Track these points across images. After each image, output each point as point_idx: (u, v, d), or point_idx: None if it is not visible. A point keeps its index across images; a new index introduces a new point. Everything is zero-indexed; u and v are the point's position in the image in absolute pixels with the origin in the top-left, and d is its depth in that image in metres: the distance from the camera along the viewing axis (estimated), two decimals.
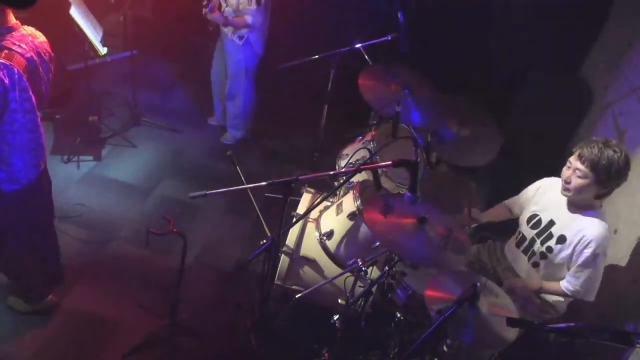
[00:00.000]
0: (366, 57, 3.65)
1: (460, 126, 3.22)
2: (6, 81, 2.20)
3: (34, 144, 2.49)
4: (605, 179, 2.49)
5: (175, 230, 2.43)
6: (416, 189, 2.25)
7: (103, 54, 3.90)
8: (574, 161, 2.55)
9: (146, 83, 4.89)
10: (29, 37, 2.36)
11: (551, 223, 2.71)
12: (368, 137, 3.34)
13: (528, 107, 4.26)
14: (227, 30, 3.96)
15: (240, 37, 3.94)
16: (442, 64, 4.36)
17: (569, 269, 2.65)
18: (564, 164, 2.63)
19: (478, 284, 2.19)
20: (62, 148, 4.14)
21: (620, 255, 2.99)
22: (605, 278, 2.64)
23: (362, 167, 2.52)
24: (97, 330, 3.03)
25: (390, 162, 2.24)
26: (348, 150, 3.43)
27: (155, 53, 5.22)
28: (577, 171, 2.52)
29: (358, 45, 3.63)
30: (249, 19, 3.81)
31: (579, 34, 4.24)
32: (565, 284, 2.64)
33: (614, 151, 2.46)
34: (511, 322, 2.11)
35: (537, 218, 2.78)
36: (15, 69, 2.23)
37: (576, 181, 2.54)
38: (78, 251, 3.43)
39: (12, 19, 2.31)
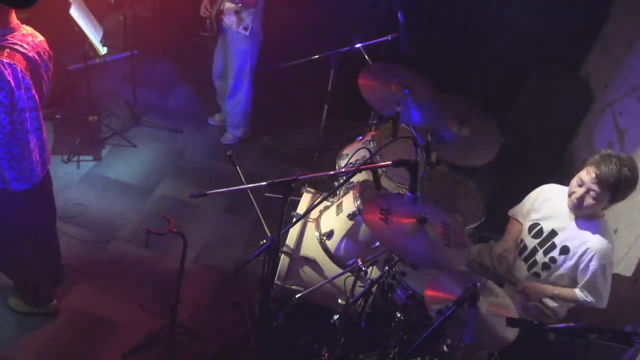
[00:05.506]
0: (366, 57, 3.65)
1: (460, 126, 3.22)
2: (11, 80, 2.21)
3: (40, 141, 2.49)
4: (621, 198, 2.47)
5: (175, 230, 2.43)
6: (416, 189, 2.25)
7: (103, 54, 3.89)
8: (588, 182, 2.46)
9: (146, 83, 4.88)
10: (30, 36, 2.37)
11: (553, 233, 2.68)
12: (368, 137, 3.33)
13: (528, 107, 4.27)
14: (232, 24, 3.96)
15: (246, 28, 3.94)
16: (442, 64, 4.36)
17: (571, 278, 2.65)
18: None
19: (478, 284, 2.19)
20: (62, 148, 4.14)
21: (620, 256, 2.98)
22: None
23: (362, 167, 2.51)
24: (97, 330, 3.03)
25: (390, 162, 2.23)
26: (348, 150, 3.42)
27: (155, 53, 5.21)
28: (591, 192, 2.46)
29: (358, 45, 3.63)
30: None
31: (579, 34, 4.24)
32: (579, 293, 2.63)
33: (630, 170, 2.39)
34: (511, 322, 2.11)
35: (538, 227, 2.75)
36: (19, 68, 2.24)
37: (589, 202, 2.48)
38: (78, 251, 3.43)
39: (13, 20, 2.31)
